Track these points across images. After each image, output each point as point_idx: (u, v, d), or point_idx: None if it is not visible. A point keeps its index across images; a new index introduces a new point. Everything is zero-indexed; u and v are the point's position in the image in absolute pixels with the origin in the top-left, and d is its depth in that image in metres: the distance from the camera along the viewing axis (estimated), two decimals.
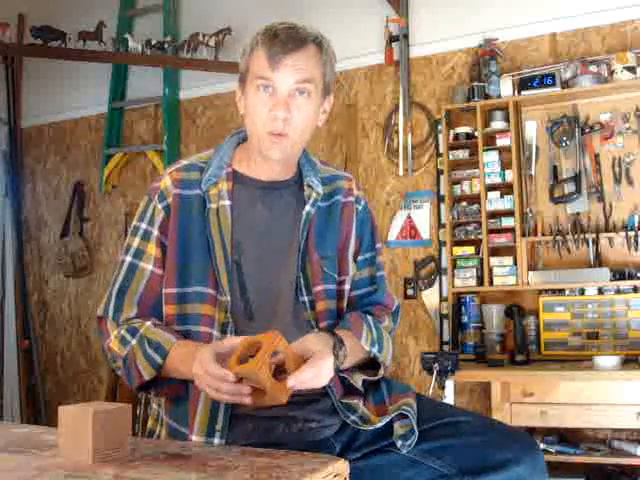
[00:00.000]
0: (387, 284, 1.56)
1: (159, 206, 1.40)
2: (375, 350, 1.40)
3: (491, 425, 1.38)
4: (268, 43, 1.32)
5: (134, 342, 1.32)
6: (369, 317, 1.45)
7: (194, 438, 1.29)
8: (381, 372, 1.43)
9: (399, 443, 1.31)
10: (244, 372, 1.12)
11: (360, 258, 1.50)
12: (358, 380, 1.39)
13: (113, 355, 1.37)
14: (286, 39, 1.32)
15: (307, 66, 1.33)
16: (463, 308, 3.20)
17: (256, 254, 1.39)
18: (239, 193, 1.42)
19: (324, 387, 1.35)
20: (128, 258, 1.40)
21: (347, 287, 1.46)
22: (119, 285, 1.40)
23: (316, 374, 1.19)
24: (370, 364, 1.43)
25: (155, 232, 1.39)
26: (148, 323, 1.35)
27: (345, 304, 1.46)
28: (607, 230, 3.05)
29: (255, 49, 1.35)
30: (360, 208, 1.52)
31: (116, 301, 1.39)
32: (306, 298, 1.39)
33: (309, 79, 1.34)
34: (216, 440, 1.28)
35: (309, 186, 1.45)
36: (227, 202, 1.39)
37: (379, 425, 1.33)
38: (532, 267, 3.14)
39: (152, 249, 1.39)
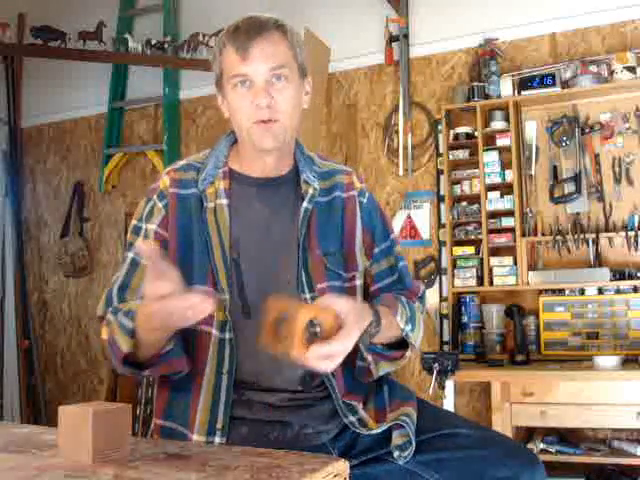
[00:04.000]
0: (410, 272, 1.53)
1: (159, 204, 1.39)
2: (408, 329, 1.37)
3: (491, 439, 1.35)
4: (232, 38, 1.33)
5: (113, 319, 1.27)
6: (402, 297, 1.42)
7: (195, 437, 1.29)
8: (408, 353, 1.40)
9: (396, 454, 1.30)
10: (285, 308, 1.11)
11: (376, 251, 1.48)
12: (380, 369, 1.38)
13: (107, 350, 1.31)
14: (248, 28, 1.33)
15: (276, 51, 1.33)
16: (463, 308, 3.20)
17: (255, 251, 1.37)
18: (236, 191, 1.41)
19: (326, 388, 1.35)
20: (130, 255, 1.39)
21: (359, 282, 1.44)
22: (120, 282, 1.37)
23: (336, 352, 1.11)
24: (397, 344, 1.39)
25: (154, 228, 1.38)
26: (131, 302, 1.32)
27: (359, 300, 1.42)
28: (607, 230, 3.05)
29: (223, 49, 1.36)
30: (365, 201, 1.49)
31: (119, 295, 1.35)
32: (308, 295, 1.37)
33: (282, 64, 1.34)
34: (217, 439, 1.28)
35: (305, 182, 1.43)
36: (224, 200, 1.39)
37: (375, 432, 1.33)
38: (532, 267, 3.14)
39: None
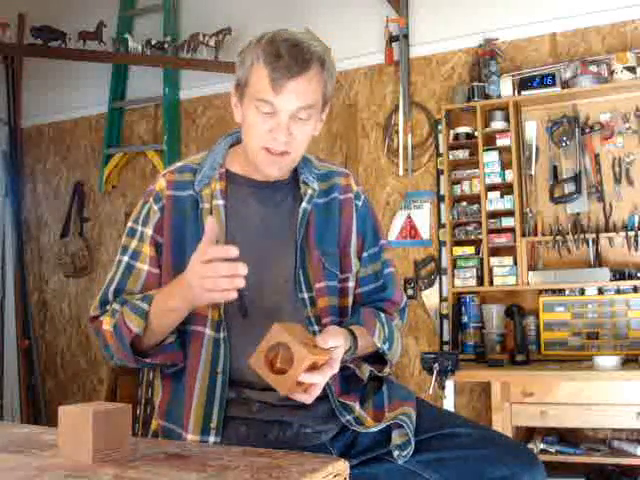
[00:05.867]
0: (396, 280, 1.53)
1: (155, 207, 1.40)
2: (385, 347, 1.39)
3: (491, 439, 1.36)
4: (271, 63, 1.28)
5: (121, 308, 1.33)
6: (382, 314, 1.43)
7: (189, 437, 1.29)
8: (386, 370, 1.43)
9: (395, 453, 1.30)
10: (287, 341, 1.11)
11: (364, 255, 1.48)
12: (365, 372, 1.39)
13: (107, 342, 1.34)
14: (290, 61, 1.28)
15: (309, 90, 1.31)
16: (463, 308, 3.20)
17: (251, 251, 1.35)
18: (233, 192, 1.42)
19: (323, 388, 1.35)
20: (125, 258, 1.41)
21: (351, 284, 1.45)
22: (116, 284, 1.39)
23: (319, 383, 1.18)
24: (376, 358, 1.43)
25: (150, 232, 1.39)
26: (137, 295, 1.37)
27: (350, 301, 1.45)
28: (607, 230, 3.05)
29: (256, 64, 1.31)
30: (360, 204, 1.50)
31: (115, 298, 1.38)
32: (306, 295, 1.38)
33: (311, 105, 1.33)
34: (211, 438, 1.28)
35: (305, 183, 1.44)
36: (221, 201, 1.39)
37: (373, 430, 1.33)
38: (532, 267, 3.14)
39: (147, 249, 1.39)
